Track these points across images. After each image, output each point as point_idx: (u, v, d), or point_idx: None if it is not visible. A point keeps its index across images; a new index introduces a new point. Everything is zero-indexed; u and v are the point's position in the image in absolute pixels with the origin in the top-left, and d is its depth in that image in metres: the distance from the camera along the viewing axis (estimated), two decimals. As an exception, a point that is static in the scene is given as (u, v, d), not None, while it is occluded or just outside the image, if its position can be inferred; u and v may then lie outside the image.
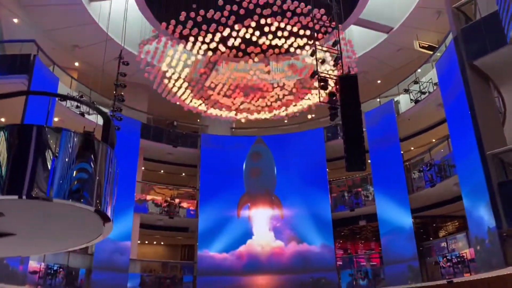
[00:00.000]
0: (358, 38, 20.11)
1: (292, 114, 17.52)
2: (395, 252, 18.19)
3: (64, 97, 13.11)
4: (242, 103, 16.63)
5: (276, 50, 15.49)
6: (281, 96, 16.67)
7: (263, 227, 21.40)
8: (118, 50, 16.40)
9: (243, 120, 17.98)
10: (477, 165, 12.77)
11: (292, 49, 15.30)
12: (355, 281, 19.67)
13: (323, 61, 12.04)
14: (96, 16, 18.25)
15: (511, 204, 9.70)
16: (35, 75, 15.35)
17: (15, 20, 18.51)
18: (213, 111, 17.23)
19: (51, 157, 3.12)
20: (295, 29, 14.68)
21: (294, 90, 16.50)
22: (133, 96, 21.35)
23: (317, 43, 12.30)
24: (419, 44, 20.00)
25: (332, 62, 12.07)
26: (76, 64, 21.71)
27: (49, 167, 3.05)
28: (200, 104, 17.04)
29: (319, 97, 11.79)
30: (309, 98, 16.53)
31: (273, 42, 15.11)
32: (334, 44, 11.84)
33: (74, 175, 3.21)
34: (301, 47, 15.18)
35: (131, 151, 20.53)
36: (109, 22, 17.18)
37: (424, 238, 20.31)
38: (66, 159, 3.19)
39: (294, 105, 16.92)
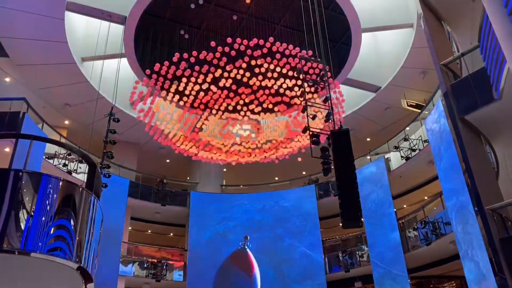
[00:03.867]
0: (347, 97, 20.43)
1: (283, 156, 17.39)
2: (394, 316, 17.35)
3: (49, 141, 12.73)
4: (232, 144, 16.59)
5: (266, 91, 15.80)
6: (271, 138, 16.77)
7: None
8: (109, 108, 16.40)
9: (233, 163, 17.75)
10: (473, 221, 12.48)
11: (281, 90, 15.68)
12: None
13: (314, 117, 12.09)
14: (88, 75, 18.41)
15: (514, 261, 9.35)
16: (23, 133, 15.15)
17: (7, 79, 18.61)
18: (204, 154, 17.05)
19: (29, 207, 2.81)
20: (284, 71, 15.13)
21: (284, 131, 16.61)
22: (122, 154, 21.13)
23: (307, 94, 12.47)
24: (406, 103, 20.41)
25: (323, 118, 12.12)
26: (66, 122, 21.63)
27: (25, 217, 2.74)
28: (191, 147, 16.90)
29: (311, 153, 11.67)
30: (298, 140, 16.57)
31: (263, 83, 15.48)
32: (325, 100, 11.94)
33: (53, 229, 2.88)
34: (290, 88, 15.53)
35: (118, 211, 19.90)
36: (100, 81, 17.31)
37: (422, 301, 19.50)
38: (45, 209, 2.88)
39: (284, 147, 16.91)
